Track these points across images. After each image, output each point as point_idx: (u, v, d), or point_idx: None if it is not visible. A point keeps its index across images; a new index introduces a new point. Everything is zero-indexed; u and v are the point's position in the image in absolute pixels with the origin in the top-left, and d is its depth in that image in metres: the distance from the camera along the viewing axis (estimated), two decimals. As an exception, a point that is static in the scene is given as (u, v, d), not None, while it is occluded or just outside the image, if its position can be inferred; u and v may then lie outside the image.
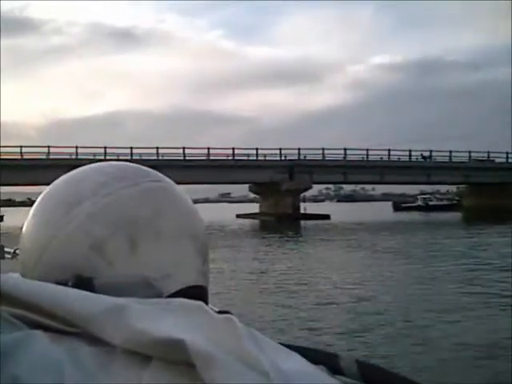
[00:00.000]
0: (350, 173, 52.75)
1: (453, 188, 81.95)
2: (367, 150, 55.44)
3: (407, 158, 56.80)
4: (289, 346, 0.53)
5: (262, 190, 54.55)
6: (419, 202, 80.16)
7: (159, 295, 0.60)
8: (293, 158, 52.45)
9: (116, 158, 47.59)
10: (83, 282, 0.57)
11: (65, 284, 0.55)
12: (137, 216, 0.62)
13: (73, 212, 0.61)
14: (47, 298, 0.50)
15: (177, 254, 0.64)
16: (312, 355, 0.58)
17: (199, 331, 0.47)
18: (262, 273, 17.06)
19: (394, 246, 25.16)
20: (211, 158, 51.11)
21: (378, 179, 54.52)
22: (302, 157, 53.15)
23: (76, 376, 0.45)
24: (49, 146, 47.97)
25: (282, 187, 50.58)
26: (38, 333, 0.49)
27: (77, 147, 48.24)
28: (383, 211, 71.56)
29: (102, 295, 0.52)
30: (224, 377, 0.43)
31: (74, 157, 47.44)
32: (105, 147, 48.79)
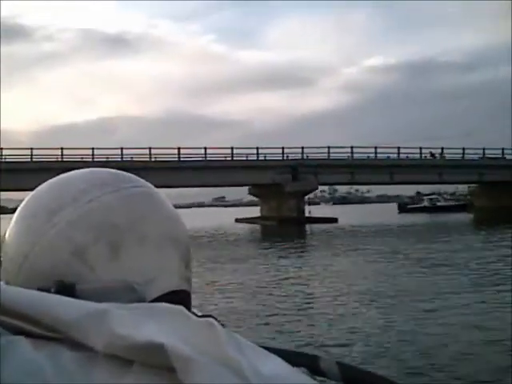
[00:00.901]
0: (357, 173, 49.09)
1: (459, 188, 78.83)
2: (375, 147, 51.85)
3: (417, 157, 53.16)
4: (269, 349, 0.53)
5: (262, 192, 50.82)
6: (425, 203, 76.66)
7: (142, 300, 0.59)
8: (296, 158, 48.71)
9: (105, 159, 44.03)
10: (66, 288, 0.56)
11: (47, 290, 0.55)
12: (118, 222, 0.62)
13: (54, 219, 0.61)
14: (29, 304, 0.51)
15: (159, 259, 0.64)
16: (293, 358, 0.59)
17: (180, 335, 0.48)
18: (284, 296, 13.34)
19: (416, 252, 21.91)
20: (208, 158, 47.28)
21: (387, 179, 50.84)
22: (305, 156, 49.43)
23: (58, 381, 0.46)
24: (32, 148, 44.09)
25: (285, 189, 46.88)
26: (20, 339, 0.49)
27: (62, 149, 44.36)
28: (388, 213, 68.15)
29: (83, 301, 0.52)
30: (204, 380, 0.44)
31: (59, 159, 43.51)
32: (92, 148, 45.01)
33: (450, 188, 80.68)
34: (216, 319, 0.52)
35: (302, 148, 49.44)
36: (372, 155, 51.37)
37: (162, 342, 0.46)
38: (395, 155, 52.16)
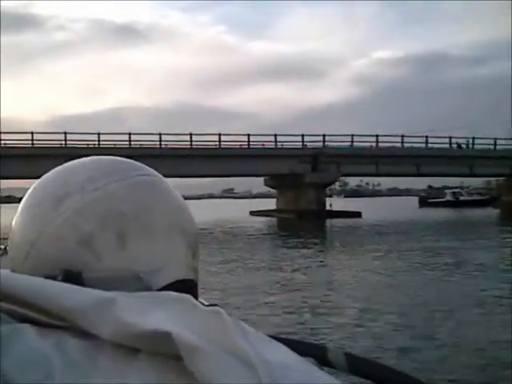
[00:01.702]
0: (381, 163, 45.56)
1: (479, 182, 75.18)
2: (402, 136, 48.07)
3: (446, 147, 49.46)
4: (277, 339, 0.54)
5: (279, 183, 47.42)
6: (448, 197, 73.01)
7: (148, 289, 0.59)
8: (316, 147, 45.21)
9: (112, 146, 40.83)
10: (72, 277, 0.57)
11: (54, 279, 0.55)
12: (125, 210, 0.62)
13: (61, 207, 0.61)
14: (35, 292, 0.51)
15: (166, 249, 0.63)
16: (300, 348, 0.59)
17: (186, 323, 0.48)
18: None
19: (453, 252, 19.09)
20: (223, 146, 43.89)
21: (413, 171, 47.27)
22: (326, 145, 45.92)
23: (64, 369, 0.46)
24: (32, 132, 40.75)
25: (304, 180, 43.47)
26: (27, 326, 0.49)
27: (66, 133, 41.12)
28: (408, 207, 64.72)
29: (89, 289, 0.52)
30: (210, 368, 0.44)
31: (62, 145, 40.29)
32: (98, 133, 41.69)
33: (471, 182, 76.95)
34: (222, 308, 0.52)
35: (324, 136, 45.95)
36: (398, 144, 47.66)
37: (169, 330, 0.46)
38: (421, 145, 48.53)
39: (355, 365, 0.62)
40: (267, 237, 29.83)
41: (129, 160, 0.68)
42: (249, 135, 44.60)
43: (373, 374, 0.60)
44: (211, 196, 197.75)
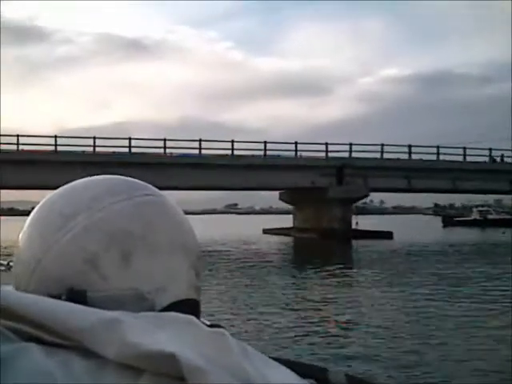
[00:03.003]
0: (414, 177, 40.16)
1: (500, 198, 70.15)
2: (438, 147, 42.58)
3: (486, 160, 43.92)
4: (279, 360, 0.54)
5: (297, 197, 41.97)
6: (475, 216, 67.52)
7: (152, 309, 0.60)
8: (342, 156, 39.81)
9: (112, 153, 35.58)
10: (77, 296, 0.57)
11: (58, 297, 0.56)
12: (130, 230, 0.62)
13: (67, 225, 0.62)
14: (41, 311, 0.51)
15: (170, 268, 0.64)
16: (302, 369, 0.59)
17: (190, 345, 0.49)
18: None
19: None
20: (236, 153, 38.50)
21: (449, 186, 41.86)
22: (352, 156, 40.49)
23: None
24: (18, 136, 35.32)
25: (327, 194, 38.05)
26: (32, 345, 0.50)
27: (56, 137, 35.81)
28: (430, 226, 59.35)
29: (94, 309, 0.53)
30: None
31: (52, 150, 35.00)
32: (94, 137, 36.35)
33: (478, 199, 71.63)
34: (225, 329, 0.53)
35: (350, 145, 40.46)
36: (433, 157, 42.19)
37: (173, 352, 0.46)
38: (457, 158, 43.08)
39: None
40: (286, 262, 24.49)
41: (133, 179, 0.69)
42: (265, 143, 39.22)
43: None
44: (214, 211, 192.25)
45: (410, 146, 41.59)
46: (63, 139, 36.42)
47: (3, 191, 35.32)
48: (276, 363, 0.52)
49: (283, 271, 20.31)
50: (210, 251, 27.74)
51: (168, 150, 37.04)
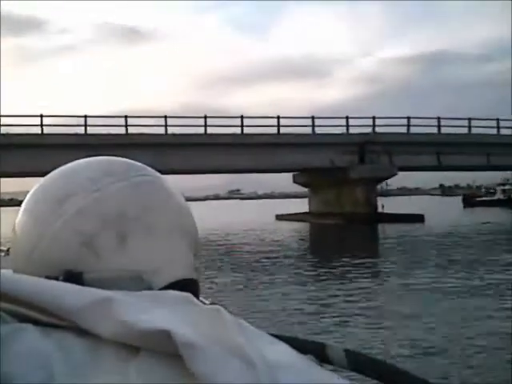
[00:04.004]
0: (444, 153, 35.87)
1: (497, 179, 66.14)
2: (469, 119, 38.13)
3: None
4: (277, 337, 0.54)
5: (313, 179, 37.77)
6: (499, 195, 63.29)
7: (149, 289, 0.60)
8: (365, 132, 35.48)
9: (107, 133, 31.36)
10: (73, 277, 0.57)
11: (55, 279, 0.56)
12: (126, 211, 0.62)
13: (62, 208, 0.61)
14: (36, 292, 0.51)
15: (167, 249, 0.64)
16: (300, 345, 0.59)
17: (186, 322, 0.48)
18: None
19: None
20: (245, 132, 34.18)
21: (483, 163, 37.55)
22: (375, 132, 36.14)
23: (65, 368, 0.46)
24: (-1, 116, 31.10)
25: (349, 174, 33.84)
26: (28, 326, 0.50)
27: (42, 116, 31.49)
28: (451, 208, 55.27)
29: (90, 288, 0.53)
30: (209, 366, 0.44)
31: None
32: (85, 116, 32.03)
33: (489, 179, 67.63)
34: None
35: (373, 118, 36.07)
36: (465, 130, 37.78)
37: (169, 329, 0.46)
38: (490, 131, 38.67)
39: (355, 361, 0.61)
40: (307, 255, 20.38)
41: (129, 160, 0.69)
42: (279, 118, 34.84)
43: (373, 371, 0.59)
44: (217, 197, 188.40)
45: (438, 119, 37.21)
46: (50, 119, 31.91)
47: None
48: (273, 339, 0.52)
49: (314, 266, 16.28)
50: (223, 244, 23.62)
51: (170, 130, 32.75)
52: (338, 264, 16.30)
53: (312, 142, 33.92)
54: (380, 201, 36.62)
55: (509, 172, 53.68)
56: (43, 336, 0.49)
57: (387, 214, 35.29)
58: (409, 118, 36.56)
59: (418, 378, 0.58)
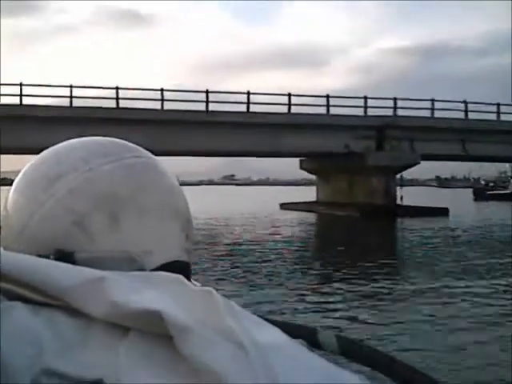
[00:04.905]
0: (470, 141, 32.28)
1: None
2: (498, 104, 34.46)
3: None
4: (268, 321, 0.53)
5: (323, 166, 34.15)
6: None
7: (141, 270, 0.60)
8: (384, 114, 31.78)
9: (95, 106, 27.62)
10: (64, 257, 0.57)
11: (46, 258, 0.56)
12: (118, 192, 0.62)
13: (54, 187, 0.61)
14: (26, 270, 0.51)
15: (159, 230, 0.64)
16: (291, 329, 0.58)
17: (177, 303, 0.48)
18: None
19: None
20: (251, 111, 30.40)
21: (509, 153, 33.97)
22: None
23: (54, 347, 0.46)
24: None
25: (366, 161, 30.24)
26: (17, 304, 0.50)
27: (21, 85, 27.57)
28: (462, 201, 51.90)
29: (81, 267, 0.53)
30: (199, 348, 0.44)
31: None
32: (71, 86, 28.16)
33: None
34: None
35: (395, 100, 32.32)
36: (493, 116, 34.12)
37: (159, 310, 0.46)
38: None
39: (346, 347, 0.61)
40: (320, 254, 16.68)
41: (123, 141, 0.69)
42: (290, 95, 31.04)
43: (363, 357, 0.60)
44: (211, 182, 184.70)
45: (465, 103, 33.56)
46: (29, 88, 28.02)
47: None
48: (265, 323, 0.51)
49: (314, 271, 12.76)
50: (232, 244, 20.01)
51: (167, 106, 28.97)
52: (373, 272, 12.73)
53: (326, 123, 30.16)
54: (399, 192, 33.00)
55: (507, 164, 50.37)
56: (33, 314, 0.49)
57: (408, 206, 31.66)
58: (433, 101, 32.92)
59: (407, 365, 0.58)
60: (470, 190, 67.93)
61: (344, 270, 13.08)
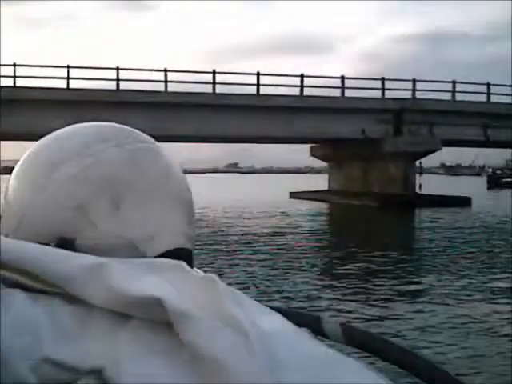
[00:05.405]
0: (493, 126, 30.28)
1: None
2: (523, 86, 32.44)
3: None
4: (272, 308, 0.53)
5: (334, 152, 32.28)
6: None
7: (143, 257, 0.59)
8: (402, 97, 29.78)
9: (93, 88, 25.69)
10: (66, 244, 0.57)
11: (47, 245, 0.55)
12: (120, 177, 0.61)
13: (55, 173, 0.61)
14: (26, 257, 0.51)
15: (161, 216, 0.63)
16: (295, 318, 0.57)
17: (178, 290, 0.48)
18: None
19: None
20: (262, 93, 28.41)
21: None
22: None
23: (52, 334, 0.46)
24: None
25: (382, 147, 28.34)
26: (16, 291, 0.49)
27: (15, 65, 25.61)
28: (476, 189, 49.98)
29: (81, 254, 0.53)
30: (201, 335, 0.43)
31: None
32: (67, 66, 26.19)
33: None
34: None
35: (414, 81, 30.20)
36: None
37: (160, 296, 0.46)
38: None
39: (350, 335, 0.60)
40: (336, 250, 14.84)
41: (125, 126, 0.68)
42: (302, 76, 29.03)
43: (368, 345, 0.59)
44: (215, 171, 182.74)
45: (488, 85, 31.50)
46: (23, 69, 26.08)
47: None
48: (268, 309, 0.51)
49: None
50: (247, 237, 18.21)
51: (171, 88, 27.03)
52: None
53: (341, 106, 28.19)
54: (418, 179, 31.08)
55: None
56: (31, 302, 0.48)
57: (428, 195, 29.76)
58: (454, 83, 30.87)
59: (413, 353, 0.58)
60: (478, 177, 65.96)
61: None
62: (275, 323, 0.48)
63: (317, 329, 0.60)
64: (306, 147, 35.42)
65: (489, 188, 56.30)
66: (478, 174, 72.36)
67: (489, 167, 69.39)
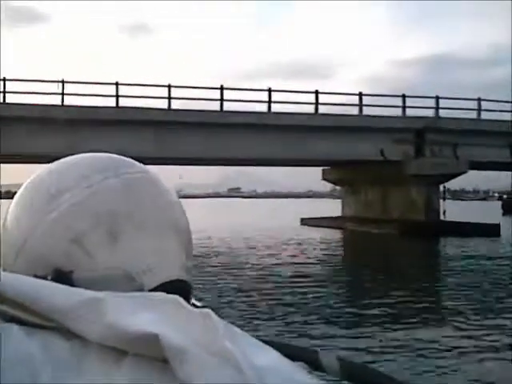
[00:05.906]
0: (520, 146, 28.03)
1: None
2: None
3: None
4: (268, 343, 0.52)
5: (349, 175, 30.02)
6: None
7: (141, 289, 0.59)
8: (424, 116, 27.59)
9: (90, 105, 23.58)
10: (63, 276, 0.56)
11: (44, 278, 0.55)
12: (118, 208, 0.61)
13: (53, 204, 0.60)
14: (22, 291, 0.50)
15: (159, 248, 0.62)
16: (292, 352, 0.58)
17: (174, 325, 0.47)
18: None
19: None
20: (273, 111, 26.19)
21: None
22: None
23: (49, 369, 0.45)
24: None
25: (404, 169, 26.07)
26: (12, 326, 0.49)
27: (4, 80, 23.42)
28: (491, 215, 47.72)
29: (78, 288, 0.52)
30: (197, 371, 0.43)
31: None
32: (62, 81, 24.02)
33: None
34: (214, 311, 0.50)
35: (437, 99, 28.01)
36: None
37: (156, 333, 0.45)
38: None
39: (348, 370, 0.59)
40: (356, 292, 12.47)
41: (123, 157, 0.68)
42: (317, 93, 26.80)
43: (366, 380, 0.58)
44: (218, 195, 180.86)
45: (514, 103, 29.37)
46: (13, 84, 23.99)
47: None
48: (264, 345, 0.50)
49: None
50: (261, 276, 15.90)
51: (174, 105, 24.89)
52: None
53: (358, 125, 25.94)
54: (442, 205, 28.74)
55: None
56: (28, 336, 0.48)
57: (453, 222, 27.38)
58: (479, 100, 28.71)
59: None
60: (484, 202, 63.62)
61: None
62: (270, 358, 0.48)
63: (314, 363, 0.59)
64: (310, 171, 33.14)
65: (504, 214, 53.88)
66: (484, 199, 70.14)
67: (494, 192, 67.39)
